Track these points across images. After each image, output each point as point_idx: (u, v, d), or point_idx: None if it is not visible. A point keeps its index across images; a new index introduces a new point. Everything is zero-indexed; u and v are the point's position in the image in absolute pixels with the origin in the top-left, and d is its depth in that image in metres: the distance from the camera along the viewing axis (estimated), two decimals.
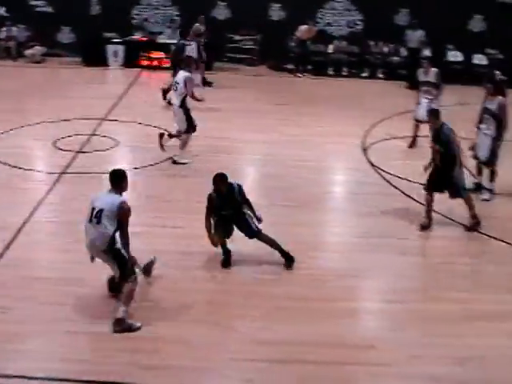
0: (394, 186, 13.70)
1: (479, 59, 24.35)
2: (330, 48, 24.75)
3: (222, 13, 25.24)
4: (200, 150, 14.85)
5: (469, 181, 13.11)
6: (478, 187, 13.47)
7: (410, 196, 13.14)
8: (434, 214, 12.14)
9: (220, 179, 9.83)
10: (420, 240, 11.67)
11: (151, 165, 13.99)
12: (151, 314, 8.86)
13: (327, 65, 24.58)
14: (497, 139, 13.12)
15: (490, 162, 13.25)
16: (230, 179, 9.97)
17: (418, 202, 12.78)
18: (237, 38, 25.13)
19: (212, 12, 25.14)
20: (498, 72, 21.73)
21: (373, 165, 14.85)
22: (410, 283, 10.09)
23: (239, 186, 10.04)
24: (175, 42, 21.48)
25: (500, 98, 13.19)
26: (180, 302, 9.22)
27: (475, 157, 13.47)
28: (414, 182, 13.42)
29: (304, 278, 10.08)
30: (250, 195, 10.30)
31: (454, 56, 24.52)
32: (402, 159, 15.51)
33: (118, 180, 8.65)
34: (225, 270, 10.13)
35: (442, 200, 12.48)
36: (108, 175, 8.75)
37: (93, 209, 8.47)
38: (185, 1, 24.79)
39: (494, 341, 8.72)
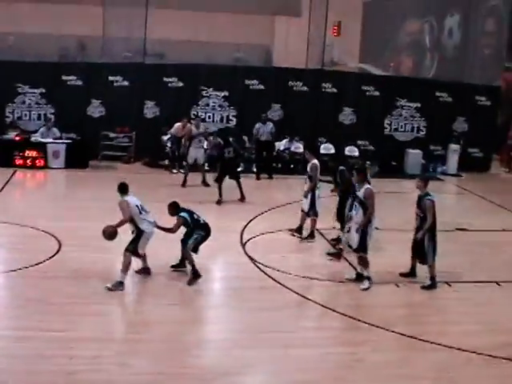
0: (273, 279, 13.79)
1: (351, 151, 25.03)
2: (205, 144, 24.92)
3: (96, 110, 25.21)
4: (79, 248, 14.65)
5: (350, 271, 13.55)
6: (359, 277, 13.71)
7: (289, 288, 13.29)
8: (313, 305, 12.36)
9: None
10: (302, 332, 11.73)
11: (30, 266, 13.62)
12: None
13: None
14: (365, 226, 13.39)
15: (359, 249, 13.50)
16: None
17: (298, 294, 12.96)
18: (112, 135, 25.15)
19: (87, 110, 25.10)
20: (368, 162, 22.54)
21: (252, 259, 14.96)
22: (295, 376, 10.06)
23: None
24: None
25: (367, 186, 13.61)
26: None
27: (349, 245, 13.78)
28: (293, 275, 13.64)
29: (188, 378, 9.92)
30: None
31: (326, 148, 25.11)
32: (282, 252, 15.69)
33: (127, 188, 13.18)
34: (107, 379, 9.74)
35: (319, 290, 12.67)
36: (118, 187, 13.04)
37: (137, 206, 12.93)
38: (59, 99, 24.62)
39: None
